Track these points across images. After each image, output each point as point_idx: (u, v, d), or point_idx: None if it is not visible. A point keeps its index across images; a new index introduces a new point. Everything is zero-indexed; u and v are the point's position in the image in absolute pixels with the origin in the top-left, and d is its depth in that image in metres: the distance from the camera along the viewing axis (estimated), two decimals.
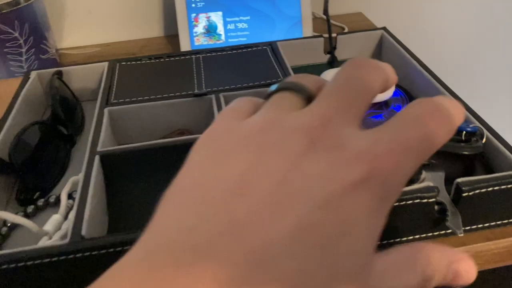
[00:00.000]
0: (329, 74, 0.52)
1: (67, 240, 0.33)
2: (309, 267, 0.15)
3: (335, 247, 0.15)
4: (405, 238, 0.38)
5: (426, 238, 0.38)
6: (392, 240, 0.37)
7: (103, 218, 0.39)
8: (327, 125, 0.17)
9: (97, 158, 0.41)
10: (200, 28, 0.66)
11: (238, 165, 0.17)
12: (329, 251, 0.15)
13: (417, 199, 0.35)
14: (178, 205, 0.17)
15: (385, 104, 0.51)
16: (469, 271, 0.18)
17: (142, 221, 0.40)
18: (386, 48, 0.60)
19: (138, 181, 0.42)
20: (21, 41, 0.62)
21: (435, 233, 0.38)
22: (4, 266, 0.32)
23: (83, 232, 0.34)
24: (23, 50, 0.63)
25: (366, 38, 0.62)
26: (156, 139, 0.50)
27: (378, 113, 0.50)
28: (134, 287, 0.14)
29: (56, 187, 0.46)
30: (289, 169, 0.16)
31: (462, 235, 0.34)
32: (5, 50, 0.62)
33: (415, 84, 0.53)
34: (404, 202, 0.35)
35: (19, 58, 0.63)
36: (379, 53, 0.62)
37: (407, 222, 0.36)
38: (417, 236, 0.38)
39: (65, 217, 0.41)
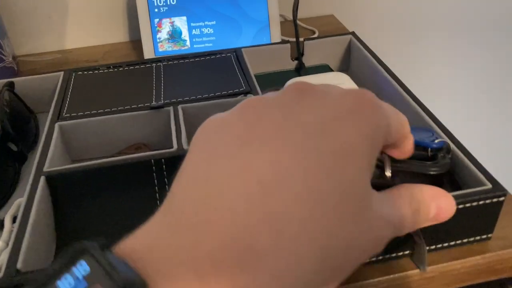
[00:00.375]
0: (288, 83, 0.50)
1: (0, 275, 0.31)
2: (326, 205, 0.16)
3: (341, 169, 0.17)
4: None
5: (383, 260, 0.36)
6: None
7: (49, 246, 0.37)
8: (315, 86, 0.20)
9: (42, 179, 0.38)
10: (164, 34, 0.64)
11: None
12: (337, 173, 0.16)
13: None
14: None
15: None
16: (450, 206, 0.21)
17: None
18: (354, 53, 0.59)
19: (90, 203, 0.40)
20: None
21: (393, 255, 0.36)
22: None
23: (19, 265, 0.31)
24: None
25: (334, 43, 0.60)
26: (113, 154, 0.48)
27: None
28: None
29: (2, 209, 0.43)
30: (286, 117, 0.18)
31: (425, 271, 0.32)
32: None
33: (382, 91, 0.51)
34: None
35: None
36: (347, 59, 0.60)
37: None
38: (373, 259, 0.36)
39: (8, 243, 0.39)
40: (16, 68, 0.67)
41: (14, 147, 0.47)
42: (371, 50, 0.55)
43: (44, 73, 0.55)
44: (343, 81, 0.49)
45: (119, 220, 0.39)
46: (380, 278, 0.35)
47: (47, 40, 0.73)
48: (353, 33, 0.60)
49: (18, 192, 0.45)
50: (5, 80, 0.53)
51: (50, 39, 0.73)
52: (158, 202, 0.40)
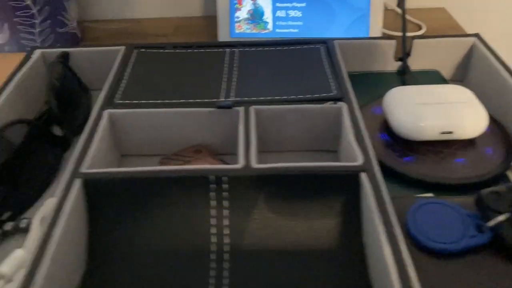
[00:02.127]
0: (398, 93, 0.39)
1: None
2: None
3: None
4: None
5: None
6: None
7: (78, 263, 0.30)
8: None
9: (77, 182, 0.31)
10: (243, 13, 0.55)
11: None
12: None
13: None
14: None
15: (470, 143, 0.38)
16: None
17: (123, 272, 0.30)
18: (476, 62, 0.46)
19: (131, 218, 0.32)
20: (34, 11, 0.53)
21: None
22: None
23: None
24: (37, 21, 0.54)
25: (450, 46, 0.48)
26: (167, 153, 0.40)
27: (461, 155, 0.37)
28: None
29: (36, 205, 0.37)
30: None
31: None
32: (15, 19, 0.53)
33: None
34: None
35: (31, 30, 0.54)
36: (465, 67, 0.48)
37: None
38: None
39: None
40: (79, 35, 0.61)
41: (58, 131, 0.41)
42: (503, 61, 0.43)
43: (107, 44, 0.48)
44: (466, 98, 0.38)
45: (162, 244, 0.32)
46: None
47: (116, 6, 0.66)
48: (477, 35, 0.47)
49: (56, 186, 0.38)
50: (60, 50, 0.46)
51: (119, 6, 0.66)
52: (212, 228, 0.32)
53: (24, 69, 0.44)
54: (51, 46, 0.56)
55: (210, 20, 0.65)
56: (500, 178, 0.35)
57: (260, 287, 0.30)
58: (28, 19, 0.53)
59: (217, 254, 0.31)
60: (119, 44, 0.47)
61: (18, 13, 0.52)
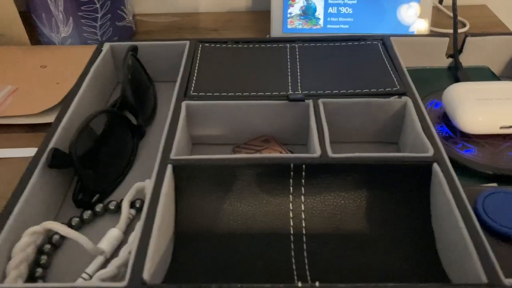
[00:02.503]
0: (458, 89, 0.41)
1: (125, 283, 0.26)
2: None
3: None
4: None
5: None
6: None
7: (169, 244, 0.33)
8: None
9: (169, 168, 0.34)
10: (296, 9, 0.57)
11: None
12: None
13: None
14: None
15: None
16: None
17: (210, 251, 0.33)
18: None
19: (215, 202, 0.35)
20: (98, 5, 0.56)
21: None
22: None
23: (145, 274, 0.27)
24: (99, 15, 0.56)
25: (500, 43, 0.50)
26: (236, 142, 0.43)
27: None
28: None
29: (119, 188, 0.39)
30: None
31: None
32: (79, 13, 0.55)
33: None
34: None
35: (94, 24, 0.57)
36: None
37: None
38: None
39: (125, 231, 0.35)
40: (134, 28, 0.63)
41: (133, 121, 0.43)
42: None
43: (160, 37, 0.50)
44: None
45: (244, 228, 0.34)
46: None
47: (166, 1, 0.69)
48: None
49: (135, 171, 0.41)
50: (129, 43, 0.49)
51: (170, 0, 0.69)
52: (290, 213, 0.35)
53: (98, 61, 0.47)
54: (109, 39, 0.59)
55: (258, 15, 0.67)
56: None
57: (336, 268, 0.32)
58: (91, 13, 0.56)
59: (295, 237, 0.34)
60: (180, 39, 0.50)
61: (83, 7, 0.55)
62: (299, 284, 0.26)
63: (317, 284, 0.26)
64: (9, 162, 0.43)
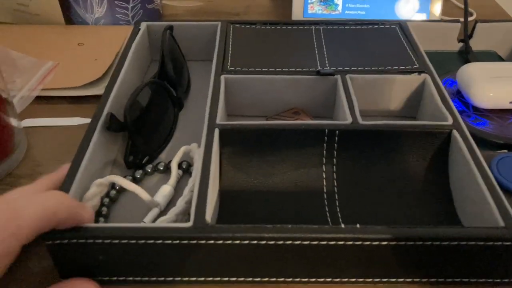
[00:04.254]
0: (472, 68, 0.45)
1: (190, 224, 0.30)
2: None
3: None
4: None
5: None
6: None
7: (217, 200, 0.36)
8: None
9: (216, 132, 0.38)
10: None
11: None
12: None
13: None
14: None
15: None
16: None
17: (251, 207, 0.37)
18: None
19: (256, 164, 0.39)
20: None
21: None
22: (124, 241, 0.30)
23: (207, 217, 0.31)
24: None
25: (507, 30, 0.54)
26: (267, 114, 0.47)
27: None
28: None
29: (163, 153, 0.43)
30: None
31: None
32: None
33: None
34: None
35: (126, 5, 0.60)
36: None
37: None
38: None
39: (175, 188, 0.39)
40: (161, 11, 0.67)
41: (173, 92, 0.47)
42: None
43: (187, 20, 0.53)
44: None
45: (282, 187, 0.38)
46: None
47: None
48: None
49: (175, 139, 0.45)
50: (165, 23, 0.53)
51: None
52: (323, 174, 0.39)
53: (137, 39, 0.50)
54: (139, 20, 0.62)
55: (279, 1, 0.71)
56: None
57: (365, 218, 0.36)
58: None
59: (328, 194, 0.38)
60: (212, 20, 0.53)
61: None
62: (342, 225, 0.30)
63: (357, 225, 0.30)
64: (54, 131, 0.46)
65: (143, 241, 0.30)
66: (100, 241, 0.30)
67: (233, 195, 0.38)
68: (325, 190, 0.38)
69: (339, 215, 0.37)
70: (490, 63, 0.46)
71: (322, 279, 0.32)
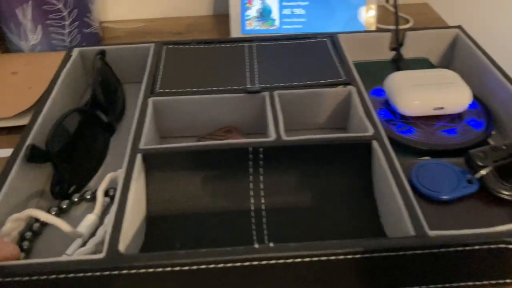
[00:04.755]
0: (398, 77, 0.46)
1: (102, 255, 0.30)
2: None
3: None
4: (472, 283, 0.33)
5: (498, 285, 0.33)
6: (462, 284, 0.33)
7: (142, 226, 0.36)
8: None
9: (139, 156, 0.37)
10: (253, 11, 0.61)
11: None
12: None
13: (502, 244, 0.30)
14: None
15: (458, 117, 0.45)
16: None
17: (178, 230, 0.37)
18: (460, 50, 0.54)
19: (182, 186, 0.38)
20: (65, 13, 0.59)
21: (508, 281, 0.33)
22: (34, 277, 0.29)
23: (120, 246, 0.30)
24: (66, 23, 0.59)
25: (437, 36, 0.55)
26: (201, 134, 0.47)
27: (450, 126, 0.44)
28: None
29: (92, 180, 0.43)
30: None
31: None
32: (47, 22, 0.58)
33: (493, 95, 0.47)
34: (487, 246, 0.30)
35: (62, 31, 0.60)
36: (451, 54, 0.56)
37: (487, 265, 0.32)
38: (485, 282, 0.33)
39: (100, 217, 0.38)
40: (101, 35, 0.66)
41: (104, 118, 0.46)
42: (482, 48, 0.50)
43: (129, 43, 0.53)
44: (453, 80, 0.45)
45: (210, 208, 0.38)
46: None
47: (131, 8, 0.72)
48: (460, 27, 0.55)
49: (107, 164, 0.44)
50: (97, 48, 0.52)
51: (134, 7, 0.72)
52: (251, 191, 0.39)
53: (68, 65, 0.50)
54: (78, 45, 0.62)
55: (219, 18, 0.71)
56: (482, 144, 0.42)
57: (292, 235, 0.36)
58: (59, 21, 0.59)
59: (256, 212, 0.38)
60: (146, 42, 0.53)
61: (51, 15, 0.58)
62: (256, 245, 0.30)
63: (271, 244, 0.30)
64: None
65: (54, 276, 0.29)
66: (9, 279, 0.29)
67: (160, 220, 0.38)
68: (252, 208, 0.38)
69: (266, 232, 0.37)
70: (415, 71, 0.47)
71: None
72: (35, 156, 0.38)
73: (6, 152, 0.47)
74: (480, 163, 0.36)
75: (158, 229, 0.37)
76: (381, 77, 0.51)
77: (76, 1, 0.59)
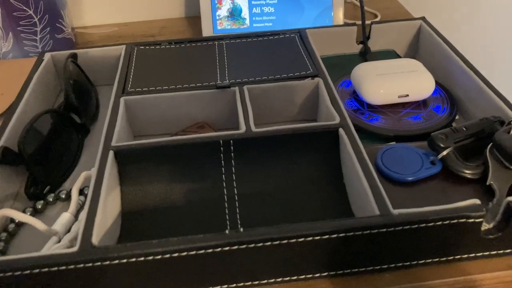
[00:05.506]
0: (363, 68, 0.48)
1: (76, 248, 0.30)
2: None
3: None
4: (437, 259, 0.34)
5: (469, 259, 0.34)
6: (428, 260, 0.34)
7: (117, 220, 0.37)
8: None
9: (111, 154, 0.38)
10: (223, 11, 0.62)
11: None
12: None
13: (462, 219, 0.32)
14: None
15: (423, 103, 0.47)
16: None
17: (155, 223, 0.37)
18: (424, 40, 0.56)
19: (155, 181, 0.39)
20: (36, 20, 0.59)
21: (478, 254, 0.34)
22: (9, 273, 0.29)
23: (94, 239, 0.31)
24: (38, 29, 0.60)
25: (402, 28, 0.57)
26: (175, 131, 0.47)
27: (416, 113, 0.46)
28: None
29: (67, 180, 0.43)
30: None
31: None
32: (19, 28, 0.59)
33: (456, 82, 0.49)
34: (448, 222, 0.31)
35: (34, 37, 0.60)
36: (415, 45, 0.57)
37: (449, 241, 0.33)
38: (457, 257, 0.34)
39: (76, 215, 0.39)
40: (74, 40, 0.67)
41: (77, 119, 0.47)
42: (444, 37, 0.52)
43: (101, 46, 0.54)
44: (416, 68, 0.47)
45: (184, 200, 0.39)
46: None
47: (104, 13, 0.72)
48: (423, 18, 0.57)
49: (81, 165, 0.45)
50: (69, 52, 0.53)
51: (107, 12, 0.72)
52: (223, 183, 0.39)
53: (40, 70, 0.50)
54: (50, 51, 0.62)
55: (192, 20, 0.72)
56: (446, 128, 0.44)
57: (265, 219, 0.37)
58: (31, 27, 0.59)
59: (229, 200, 0.39)
60: (117, 44, 0.54)
61: (21, 22, 0.58)
62: (226, 231, 0.31)
63: (241, 229, 0.31)
64: None
65: (28, 272, 0.30)
66: None
67: (135, 214, 0.38)
68: (225, 199, 0.39)
69: (239, 221, 0.37)
70: (380, 61, 0.49)
71: (218, 287, 0.33)
72: (7, 158, 0.39)
73: None
74: (441, 144, 0.37)
75: (134, 223, 0.37)
76: (349, 70, 0.53)
77: (47, 7, 0.59)
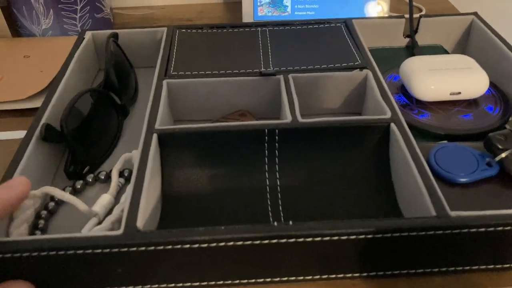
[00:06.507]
0: (413, 62, 0.46)
1: (120, 231, 0.30)
2: None
3: None
4: (492, 266, 0.32)
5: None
6: (482, 266, 0.32)
7: (157, 205, 0.36)
8: None
9: (154, 137, 0.37)
10: None
11: None
12: None
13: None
14: None
15: (474, 102, 0.45)
16: None
17: (194, 209, 0.36)
18: (475, 36, 0.53)
19: (197, 167, 0.38)
20: None
21: None
22: (52, 253, 0.29)
23: (138, 223, 0.30)
24: (78, 7, 0.59)
25: (452, 23, 0.55)
26: (215, 117, 0.46)
27: (467, 112, 0.44)
28: None
29: (106, 162, 0.42)
30: None
31: None
32: (59, 6, 0.58)
33: (510, 80, 0.46)
34: (509, 228, 0.30)
35: (74, 15, 0.59)
36: (465, 41, 0.55)
37: (506, 247, 0.31)
38: (506, 266, 0.33)
39: (115, 197, 0.38)
40: (112, 20, 0.66)
41: (117, 100, 0.46)
42: (499, 34, 0.50)
43: (140, 27, 0.53)
44: (470, 65, 0.45)
45: (224, 188, 0.38)
46: None
47: None
48: (475, 14, 0.54)
49: (120, 146, 0.44)
50: (110, 31, 0.52)
51: None
52: (266, 174, 0.38)
53: (80, 48, 0.50)
54: (89, 30, 0.61)
55: (230, 5, 0.71)
56: (499, 129, 0.42)
57: (308, 215, 0.36)
58: (71, 5, 0.58)
59: (271, 192, 0.38)
60: (158, 25, 0.53)
61: (62, 0, 0.57)
62: (275, 223, 0.30)
63: (290, 222, 0.30)
64: (0, 145, 0.45)
65: (72, 252, 0.29)
66: (27, 254, 0.29)
67: (176, 199, 0.37)
68: (268, 190, 0.38)
69: (281, 209, 0.36)
70: (430, 56, 0.47)
71: (261, 280, 0.32)
72: (49, 135, 0.38)
73: (20, 134, 0.46)
74: (500, 146, 0.35)
75: (174, 208, 0.37)
76: (395, 63, 0.51)
77: None
